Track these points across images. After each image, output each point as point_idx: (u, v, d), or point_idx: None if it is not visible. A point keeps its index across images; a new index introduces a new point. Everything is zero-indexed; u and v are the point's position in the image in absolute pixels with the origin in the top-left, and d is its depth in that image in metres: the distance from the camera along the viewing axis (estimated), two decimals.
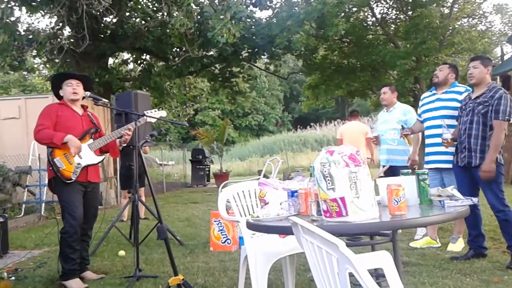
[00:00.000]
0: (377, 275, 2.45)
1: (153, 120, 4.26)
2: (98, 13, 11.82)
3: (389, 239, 2.58)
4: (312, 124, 35.97)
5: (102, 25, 13.23)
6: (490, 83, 4.08)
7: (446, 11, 15.73)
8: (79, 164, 3.95)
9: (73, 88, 4.06)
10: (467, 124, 4.07)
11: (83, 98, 4.15)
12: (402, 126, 4.91)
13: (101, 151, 4.20)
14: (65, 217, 3.93)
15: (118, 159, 8.89)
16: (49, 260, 4.98)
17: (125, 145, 4.22)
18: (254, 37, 13.58)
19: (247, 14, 12.60)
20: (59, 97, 4.16)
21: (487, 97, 3.98)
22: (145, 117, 4.09)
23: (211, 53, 14.65)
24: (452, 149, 4.40)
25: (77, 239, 3.97)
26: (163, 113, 4.30)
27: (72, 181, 3.92)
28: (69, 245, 3.92)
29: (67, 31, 12.62)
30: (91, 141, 4.07)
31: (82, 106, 4.20)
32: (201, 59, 13.89)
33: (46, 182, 4.21)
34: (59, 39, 11.64)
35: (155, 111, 4.24)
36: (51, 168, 3.91)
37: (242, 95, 18.39)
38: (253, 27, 13.68)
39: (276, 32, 12.85)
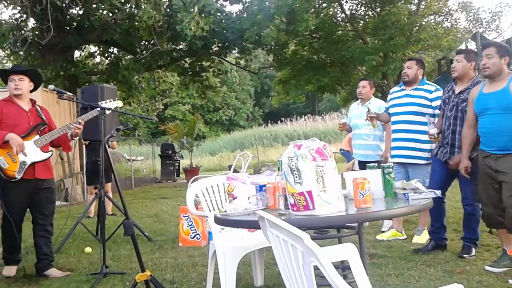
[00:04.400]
0: (344, 267, 2.48)
1: (110, 110, 4.14)
2: (64, 5, 11.56)
3: (355, 231, 2.61)
4: (282, 119, 36.14)
5: (68, 17, 12.89)
6: (474, 77, 4.00)
7: (414, 8, 16.04)
8: (24, 162, 3.85)
9: (15, 84, 3.98)
10: (451, 120, 4.03)
11: (36, 92, 4.11)
12: (367, 108, 4.88)
13: (54, 146, 4.14)
14: (3, 219, 3.92)
15: (84, 154, 8.71)
16: None
17: (89, 139, 4.15)
18: (224, 31, 13.49)
19: (217, 8, 12.52)
20: None
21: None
22: (96, 109, 3.99)
23: (180, 46, 14.50)
24: (418, 145, 4.47)
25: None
26: (118, 103, 4.21)
27: (16, 179, 3.82)
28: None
29: (31, 22, 12.26)
30: (37, 137, 3.95)
31: (31, 100, 4.09)
32: (170, 52, 13.73)
33: None
34: (22, 31, 11.31)
35: (110, 101, 4.13)
36: None
37: (212, 89, 18.28)
38: (223, 21, 13.58)
39: (246, 27, 12.80)
